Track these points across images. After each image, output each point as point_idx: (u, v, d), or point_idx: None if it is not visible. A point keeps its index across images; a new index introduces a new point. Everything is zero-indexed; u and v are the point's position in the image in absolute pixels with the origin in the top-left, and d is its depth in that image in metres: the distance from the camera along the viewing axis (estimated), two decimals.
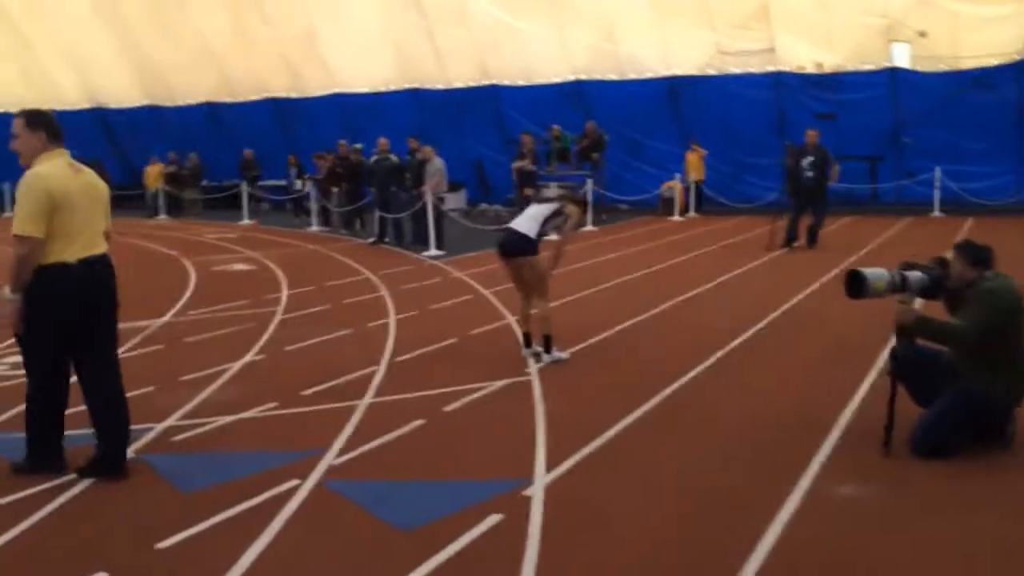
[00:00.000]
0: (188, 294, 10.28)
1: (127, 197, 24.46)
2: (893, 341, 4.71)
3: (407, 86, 23.33)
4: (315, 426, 5.25)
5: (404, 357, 6.92)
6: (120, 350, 6.11)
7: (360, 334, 7.82)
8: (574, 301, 9.24)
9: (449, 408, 5.55)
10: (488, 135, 22.67)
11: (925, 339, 4.71)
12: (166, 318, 8.76)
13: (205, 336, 7.85)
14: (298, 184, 19.84)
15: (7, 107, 27.84)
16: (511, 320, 8.05)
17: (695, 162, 19.50)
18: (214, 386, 6.11)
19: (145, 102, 26.41)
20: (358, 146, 17.61)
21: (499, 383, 6.07)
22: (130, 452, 4.73)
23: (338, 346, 7.41)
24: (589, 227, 16.65)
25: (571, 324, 7.79)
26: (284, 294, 10.10)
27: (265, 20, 22.98)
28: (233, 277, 11.80)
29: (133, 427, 4.83)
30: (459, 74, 22.70)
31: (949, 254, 4.67)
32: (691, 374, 6.22)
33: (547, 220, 6.77)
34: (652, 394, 5.70)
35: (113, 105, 26.94)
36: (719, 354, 6.78)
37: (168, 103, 26.14)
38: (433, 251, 13.71)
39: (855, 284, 4.54)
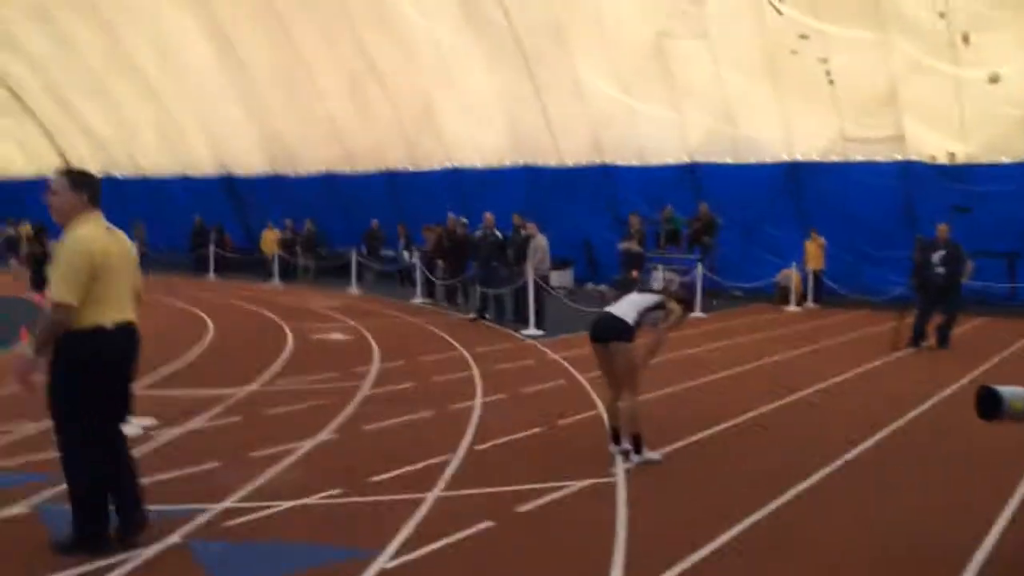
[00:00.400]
0: (281, 362, 10.16)
1: (246, 261, 25.31)
2: None
3: (520, 162, 23.37)
4: (376, 519, 4.85)
5: (483, 446, 6.48)
6: (198, 420, 5.98)
7: (442, 416, 7.43)
8: (674, 394, 8.63)
9: (522, 509, 5.06)
10: (599, 214, 22.36)
11: None
12: (252, 387, 8.60)
13: (285, 409, 7.60)
14: (406, 255, 19.89)
15: (146, 170, 29.60)
16: (603, 410, 7.50)
17: (814, 251, 18.62)
18: (281, 466, 5.80)
19: (269, 170, 27.36)
20: (463, 220, 17.55)
21: (580, 483, 5.55)
22: (177, 536, 4.44)
23: (417, 429, 7.03)
24: (698, 314, 15.97)
25: (668, 419, 7.22)
26: (374, 368, 9.86)
27: (385, 94, 23.51)
28: (328, 347, 11.68)
29: (190, 507, 4.58)
30: (572, 151, 22.60)
31: None
32: (800, 488, 5.54)
33: (647, 311, 6.30)
34: (754, 510, 5.06)
35: (240, 172, 28.04)
36: (834, 466, 6.06)
37: (291, 172, 26.99)
38: (532, 330, 13.33)
39: (988, 404, 3.86)
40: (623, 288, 14.84)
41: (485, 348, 11.51)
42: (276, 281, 22.70)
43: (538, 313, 13.59)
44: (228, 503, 5.04)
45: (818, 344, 12.59)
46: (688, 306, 6.66)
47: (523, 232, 14.36)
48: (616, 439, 6.32)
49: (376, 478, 5.52)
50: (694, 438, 6.82)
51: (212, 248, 24.51)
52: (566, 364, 10.28)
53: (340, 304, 17.33)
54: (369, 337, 12.45)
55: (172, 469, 5.57)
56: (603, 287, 16.73)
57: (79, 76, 27.83)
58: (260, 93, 25.33)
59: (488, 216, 15.25)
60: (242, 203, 28.43)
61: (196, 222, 25.80)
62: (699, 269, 16.34)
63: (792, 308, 17.81)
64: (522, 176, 23.35)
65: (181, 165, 29.01)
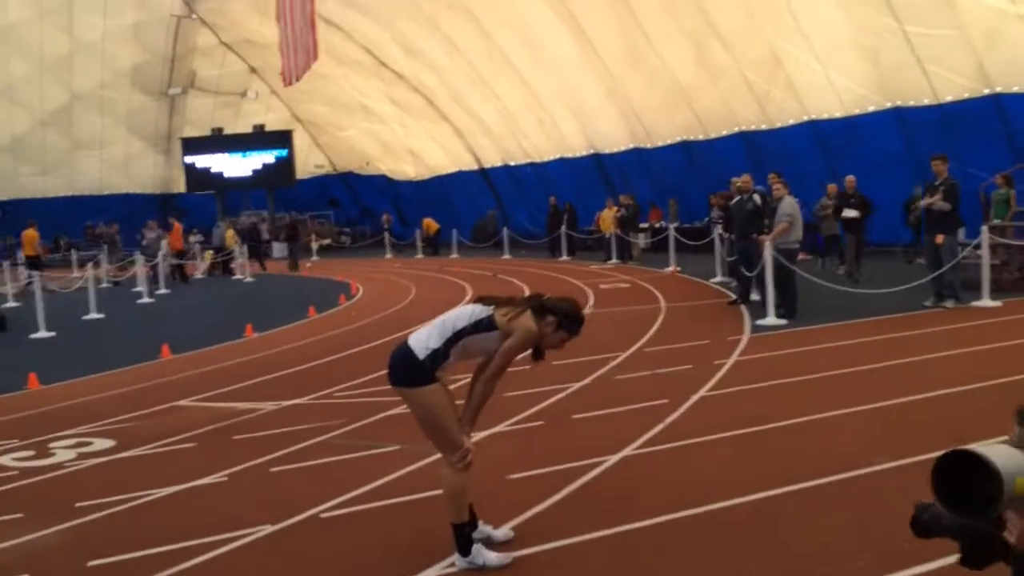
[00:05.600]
0: None
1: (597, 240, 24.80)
2: None
3: (887, 105, 19.30)
4: None
5: (332, 512, 4.88)
6: (152, 446, 5.44)
7: (403, 455, 5.86)
8: (795, 426, 5.94)
9: None
10: (993, 156, 17.46)
11: None
12: (305, 399, 7.85)
13: (261, 434, 6.69)
14: (716, 229, 17.51)
15: (533, 157, 30.62)
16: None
17: None
18: (58, 528, 4.86)
19: (630, 145, 26.43)
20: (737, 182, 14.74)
21: None
22: None
23: (311, 477, 5.61)
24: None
25: (693, 474, 4.88)
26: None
27: (729, 51, 21.05)
28: None
29: None
30: (950, 84, 17.98)
31: None
32: None
33: (464, 334, 4.05)
34: None
35: (606, 150, 27.57)
36: None
37: (648, 144, 25.76)
38: (771, 319, 10.58)
39: (978, 487, 1.55)
40: (930, 259, 11.17)
41: (678, 344, 9.39)
42: (613, 260, 21.74)
43: (784, 297, 10.78)
44: None
45: None
46: (568, 322, 4.19)
47: (775, 194, 11.48)
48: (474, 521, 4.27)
49: (98, 563, 4.33)
50: (681, 513, 4.42)
51: (564, 229, 24.38)
52: (744, 373, 7.80)
53: (626, 288, 15.79)
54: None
55: None
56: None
57: (469, 77, 29.59)
58: (613, 71, 24.54)
59: (745, 177, 12.57)
60: (612, 182, 27.92)
61: (551, 204, 25.92)
62: None
63: None
64: (891, 121, 19.40)
65: (559, 149, 29.44)
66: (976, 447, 1.53)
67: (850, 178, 15.06)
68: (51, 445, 6.65)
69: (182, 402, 7.99)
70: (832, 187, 16.35)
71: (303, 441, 6.37)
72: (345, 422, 6.84)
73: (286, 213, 38.03)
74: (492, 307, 4.11)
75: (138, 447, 6.48)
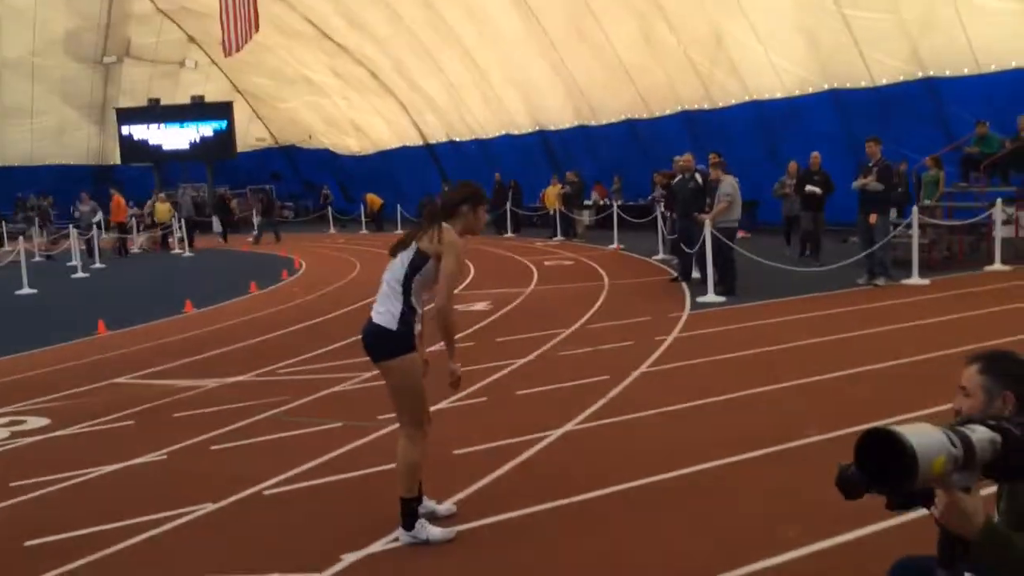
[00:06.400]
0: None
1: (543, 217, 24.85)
2: None
3: (825, 87, 19.67)
4: None
5: (275, 490, 4.87)
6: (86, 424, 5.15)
7: (346, 431, 5.86)
8: (733, 401, 6.08)
9: None
10: (927, 139, 17.94)
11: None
12: (248, 376, 7.77)
13: (201, 412, 6.62)
14: (659, 207, 17.68)
15: (478, 133, 30.48)
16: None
17: None
18: None
19: (575, 123, 26.47)
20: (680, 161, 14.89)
21: None
22: None
23: (268, 449, 5.61)
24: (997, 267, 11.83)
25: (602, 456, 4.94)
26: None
27: (670, 27, 21.18)
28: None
29: None
30: (886, 68, 18.37)
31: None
32: None
33: (408, 282, 4.08)
34: None
35: (551, 127, 27.57)
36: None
37: (593, 122, 25.84)
38: (711, 296, 10.78)
39: (894, 464, 1.60)
40: (860, 236, 11.48)
41: (616, 321, 9.52)
42: (558, 238, 21.83)
43: (723, 275, 10.99)
44: None
45: None
46: (476, 198, 4.25)
47: (713, 174, 11.66)
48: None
49: (33, 542, 4.27)
50: (600, 490, 4.51)
51: (509, 206, 24.39)
52: (681, 349, 7.93)
53: (569, 266, 15.89)
54: (509, 309, 10.97)
55: None
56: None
57: (413, 49, 29.17)
58: (558, 46, 24.44)
59: (686, 156, 12.72)
60: (557, 159, 27.97)
61: (496, 180, 25.88)
62: (997, 208, 12.04)
63: None
64: (829, 103, 19.73)
65: (504, 125, 29.33)
66: (896, 427, 1.60)
67: (815, 154, 15.06)
68: None
69: (119, 379, 7.86)
70: (793, 164, 16.42)
71: (245, 418, 6.32)
72: (288, 399, 6.80)
73: (226, 187, 37.44)
74: (413, 243, 4.15)
75: (73, 426, 6.36)
